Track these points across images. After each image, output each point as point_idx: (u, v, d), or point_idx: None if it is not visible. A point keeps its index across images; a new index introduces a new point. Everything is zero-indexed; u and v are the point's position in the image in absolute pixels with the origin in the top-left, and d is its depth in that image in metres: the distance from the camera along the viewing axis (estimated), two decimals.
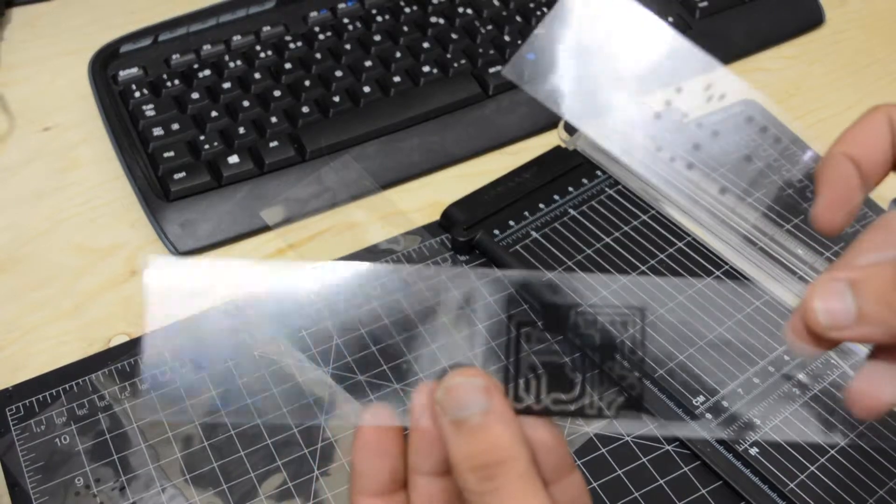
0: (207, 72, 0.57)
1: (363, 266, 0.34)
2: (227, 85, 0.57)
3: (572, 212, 0.51)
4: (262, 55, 0.58)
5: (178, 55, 0.58)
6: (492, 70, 0.58)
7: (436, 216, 0.52)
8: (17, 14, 0.67)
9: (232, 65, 0.58)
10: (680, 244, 0.50)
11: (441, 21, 0.61)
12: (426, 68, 0.58)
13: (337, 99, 0.56)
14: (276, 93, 0.56)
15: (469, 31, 0.60)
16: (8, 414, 0.43)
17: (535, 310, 0.27)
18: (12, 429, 0.43)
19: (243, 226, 0.52)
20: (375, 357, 0.45)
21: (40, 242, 0.52)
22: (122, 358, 0.45)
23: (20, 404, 0.44)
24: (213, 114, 0.55)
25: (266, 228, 0.52)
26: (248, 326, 0.46)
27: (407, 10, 0.62)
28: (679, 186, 0.35)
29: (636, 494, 0.41)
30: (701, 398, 0.43)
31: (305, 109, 0.55)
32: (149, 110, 0.55)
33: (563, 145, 0.55)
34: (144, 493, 0.41)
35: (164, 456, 0.42)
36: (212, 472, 0.41)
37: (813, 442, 0.41)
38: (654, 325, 0.43)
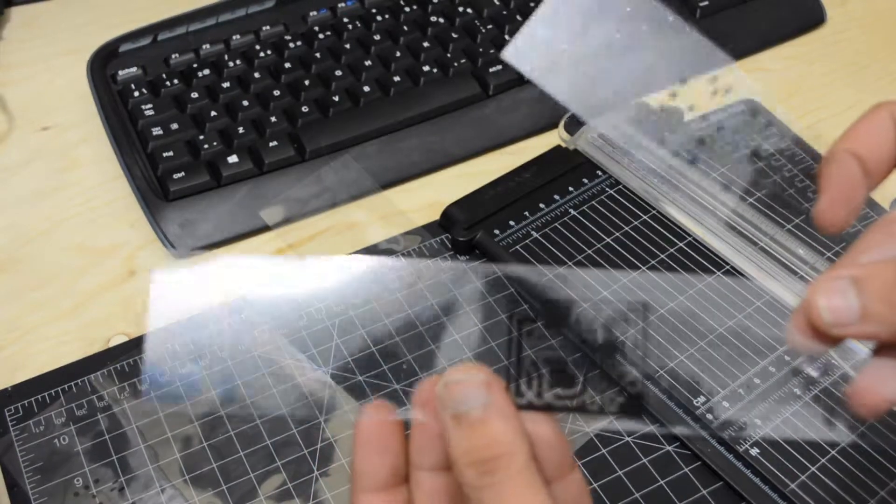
0: (207, 71, 0.57)
1: (363, 266, 0.34)
2: (226, 84, 0.56)
3: (573, 211, 0.51)
4: (262, 55, 0.58)
5: (177, 55, 0.58)
6: (492, 70, 0.58)
7: (436, 216, 0.52)
8: (16, 13, 0.67)
9: (231, 64, 0.58)
10: (681, 244, 0.49)
11: (441, 20, 0.61)
12: (426, 68, 0.58)
13: (337, 98, 0.56)
14: (276, 92, 0.56)
15: (469, 31, 0.60)
16: (7, 414, 0.43)
17: (536, 309, 0.27)
18: (11, 429, 0.43)
19: (243, 226, 0.51)
20: (375, 357, 0.45)
21: (40, 242, 0.52)
22: (122, 358, 0.45)
23: (19, 405, 0.44)
24: (213, 113, 0.55)
25: (266, 228, 0.52)
26: (249, 326, 0.46)
27: (407, 9, 0.62)
28: (680, 184, 0.35)
29: (637, 495, 0.40)
30: (701, 398, 0.43)
31: (305, 109, 0.55)
32: (148, 110, 0.55)
33: (563, 145, 0.55)
34: (144, 494, 0.41)
35: (164, 456, 0.42)
36: (211, 473, 0.41)
37: (814, 442, 0.41)
38: (654, 324, 0.43)
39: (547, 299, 0.27)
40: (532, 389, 0.26)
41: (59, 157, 0.56)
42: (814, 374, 0.43)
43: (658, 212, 0.51)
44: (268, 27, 0.60)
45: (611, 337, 0.27)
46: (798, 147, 0.55)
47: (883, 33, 0.65)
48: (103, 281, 0.50)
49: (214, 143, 0.53)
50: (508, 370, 0.26)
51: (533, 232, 0.50)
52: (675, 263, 0.49)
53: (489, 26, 0.61)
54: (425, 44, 0.59)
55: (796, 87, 0.61)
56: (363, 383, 0.44)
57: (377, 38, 0.60)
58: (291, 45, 0.59)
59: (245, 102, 0.55)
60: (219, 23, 0.61)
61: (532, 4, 0.62)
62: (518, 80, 0.58)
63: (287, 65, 0.58)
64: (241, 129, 0.54)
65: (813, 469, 0.40)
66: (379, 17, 0.61)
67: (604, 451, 0.42)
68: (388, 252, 0.50)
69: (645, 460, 0.42)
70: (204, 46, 0.59)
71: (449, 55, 0.59)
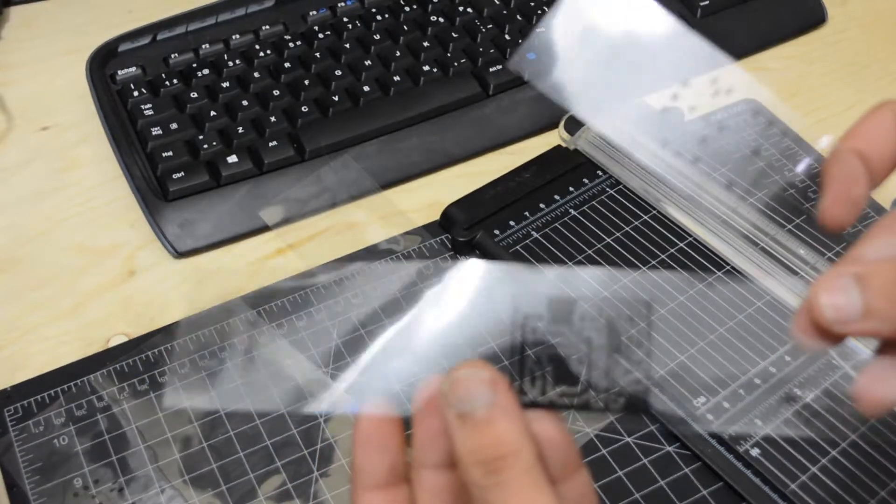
0: (206, 71, 0.57)
1: (363, 266, 0.34)
2: (226, 84, 0.56)
3: (573, 212, 0.51)
4: (262, 54, 0.58)
5: (176, 54, 0.58)
6: (492, 69, 0.58)
7: (436, 216, 0.52)
8: (15, 13, 0.66)
9: (231, 64, 0.57)
10: (681, 244, 0.49)
11: (441, 20, 0.61)
12: (426, 68, 0.58)
13: (336, 98, 0.56)
14: (276, 92, 0.56)
15: (469, 31, 0.60)
16: (6, 414, 0.43)
17: (536, 309, 0.27)
18: (10, 430, 0.42)
19: (242, 226, 0.51)
20: (375, 357, 0.45)
21: (39, 242, 0.52)
22: (121, 358, 0.45)
23: (19, 405, 0.44)
24: (212, 113, 0.55)
25: (265, 228, 0.52)
26: (250, 326, 0.46)
27: (407, 9, 0.62)
28: (682, 184, 0.35)
29: (637, 495, 0.40)
30: (702, 398, 0.42)
31: (305, 109, 0.55)
32: (147, 110, 0.55)
33: (563, 145, 0.55)
34: (143, 494, 0.40)
35: (163, 457, 0.42)
36: (211, 473, 0.41)
37: (814, 442, 0.41)
38: (655, 324, 0.42)
39: (547, 299, 0.27)
40: (534, 388, 0.26)
41: (58, 157, 0.56)
42: (806, 382, 0.43)
43: (658, 212, 0.51)
44: (267, 27, 0.60)
45: (612, 337, 0.27)
46: (799, 147, 0.55)
47: (883, 33, 0.65)
48: (103, 281, 0.50)
49: (214, 143, 0.53)
50: (510, 370, 0.26)
51: (533, 232, 0.50)
52: (676, 264, 0.49)
53: (489, 26, 0.61)
54: (425, 44, 0.59)
55: (796, 87, 0.61)
56: (363, 383, 0.44)
57: (377, 37, 0.60)
58: (291, 44, 0.59)
59: (245, 102, 0.55)
60: (218, 22, 0.61)
61: (532, 4, 0.62)
62: (518, 80, 0.58)
63: (287, 64, 0.58)
64: (240, 129, 0.54)
65: (813, 469, 0.40)
66: (379, 17, 0.61)
67: (604, 451, 0.42)
68: (388, 252, 0.50)
69: (645, 460, 0.42)
70: (203, 46, 0.59)
71: (449, 55, 0.59)
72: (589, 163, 0.54)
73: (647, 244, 0.49)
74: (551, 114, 0.57)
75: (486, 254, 0.49)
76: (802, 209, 0.51)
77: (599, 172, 0.53)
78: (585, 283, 0.45)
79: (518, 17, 0.61)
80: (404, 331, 0.42)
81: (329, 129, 0.54)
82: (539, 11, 0.62)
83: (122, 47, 0.59)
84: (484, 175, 0.53)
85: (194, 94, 0.56)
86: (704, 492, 0.41)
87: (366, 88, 0.56)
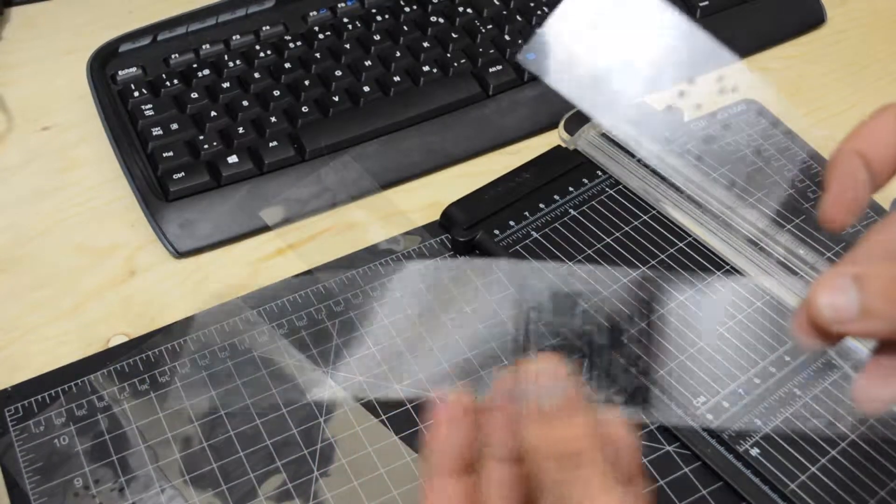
0: (207, 71, 0.57)
1: (363, 266, 0.34)
2: (226, 84, 0.56)
3: (573, 212, 0.51)
4: (262, 55, 0.58)
5: (177, 55, 0.58)
6: (492, 70, 0.58)
7: (436, 216, 0.52)
8: (16, 13, 0.66)
9: (231, 64, 0.58)
10: (681, 244, 0.49)
11: (441, 20, 0.61)
12: (426, 68, 0.58)
13: (337, 99, 0.56)
14: (276, 92, 0.56)
15: (469, 31, 0.60)
16: (7, 414, 0.43)
17: (536, 309, 0.27)
18: (11, 429, 0.43)
19: (243, 226, 0.51)
20: (375, 357, 0.45)
21: (39, 242, 0.52)
22: (122, 358, 0.45)
23: (19, 405, 0.44)
24: (213, 113, 0.55)
25: (266, 228, 0.52)
26: (250, 326, 0.46)
27: (407, 9, 0.62)
28: (683, 184, 0.35)
29: None
30: (701, 398, 0.43)
31: (305, 109, 0.55)
32: (148, 110, 0.55)
33: (563, 145, 0.55)
34: (144, 494, 0.40)
35: (164, 457, 0.42)
36: (211, 473, 0.41)
37: (814, 442, 0.41)
38: (655, 324, 0.43)
39: (548, 297, 0.27)
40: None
41: (58, 157, 0.56)
42: (806, 381, 0.43)
43: (658, 212, 0.51)
44: (268, 27, 0.60)
45: (611, 336, 0.27)
46: (799, 147, 0.55)
47: (883, 33, 0.65)
48: (103, 281, 0.50)
49: (214, 144, 0.53)
50: (510, 370, 0.26)
51: (533, 232, 0.50)
52: (676, 264, 0.49)
53: (489, 26, 0.61)
54: (425, 44, 0.59)
55: (796, 87, 0.61)
56: (363, 383, 0.44)
57: (377, 38, 0.60)
58: (291, 45, 0.59)
59: (245, 102, 0.55)
60: (219, 23, 0.61)
61: (531, 4, 0.62)
62: (518, 80, 0.58)
63: (287, 65, 0.58)
64: (241, 130, 0.54)
65: (813, 469, 0.40)
66: (379, 17, 0.61)
67: None
68: (388, 252, 0.50)
69: (645, 461, 0.42)
70: (204, 46, 0.59)
71: (449, 55, 0.59)
72: (588, 163, 0.54)
73: (646, 244, 0.49)
74: (551, 114, 0.57)
75: (486, 254, 0.49)
76: (802, 209, 0.51)
77: (599, 172, 0.53)
78: (585, 282, 0.45)
79: (518, 17, 0.61)
80: (404, 330, 0.42)
81: (329, 129, 0.54)
82: (539, 11, 0.62)
83: (123, 48, 0.59)
84: (484, 175, 0.53)
85: (195, 95, 0.56)
86: (704, 491, 0.41)
87: (366, 89, 0.56)
